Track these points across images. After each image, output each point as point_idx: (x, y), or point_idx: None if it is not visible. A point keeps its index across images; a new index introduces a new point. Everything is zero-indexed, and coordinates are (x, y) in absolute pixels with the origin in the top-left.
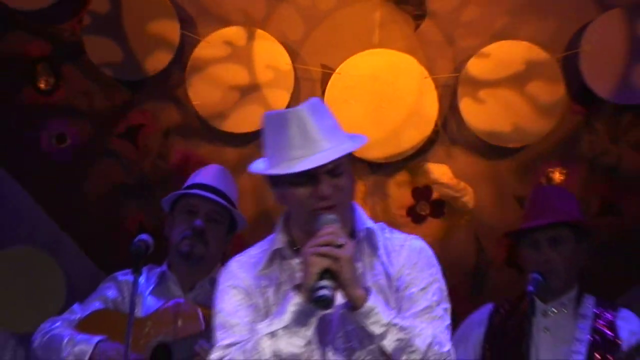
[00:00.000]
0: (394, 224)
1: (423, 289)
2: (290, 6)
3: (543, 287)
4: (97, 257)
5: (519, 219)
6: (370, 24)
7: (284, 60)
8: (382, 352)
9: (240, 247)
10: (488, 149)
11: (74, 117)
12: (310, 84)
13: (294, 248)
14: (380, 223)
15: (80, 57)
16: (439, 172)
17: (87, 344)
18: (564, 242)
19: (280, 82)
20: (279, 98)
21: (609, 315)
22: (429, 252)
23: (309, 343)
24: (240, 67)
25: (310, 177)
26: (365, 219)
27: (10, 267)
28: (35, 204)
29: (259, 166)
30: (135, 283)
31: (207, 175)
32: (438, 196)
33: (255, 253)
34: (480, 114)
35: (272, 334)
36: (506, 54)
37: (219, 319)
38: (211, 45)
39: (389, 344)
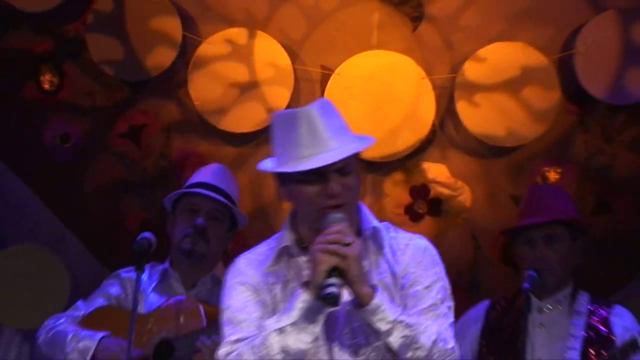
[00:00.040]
0: (391, 222)
1: (427, 287)
2: (292, 5)
3: (538, 284)
4: (100, 254)
5: (515, 218)
6: (369, 25)
7: (284, 60)
8: (387, 348)
9: (241, 244)
10: (484, 149)
11: (77, 117)
12: (310, 84)
13: (301, 246)
14: (385, 222)
15: (84, 57)
16: (436, 171)
17: (90, 339)
18: (559, 240)
19: (281, 79)
20: (279, 95)
21: (603, 312)
22: (433, 251)
23: (316, 339)
24: (240, 65)
25: (319, 175)
26: (371, 218)
27: (14, 264)
28: (38, 202)
29: (268, 164)
30: (138, 280)
31: (208, 174)
32: (435, 195)
33: (262, 250)
34: (476, 117)
35: (281, 330)
36: (502, 59)
37: (226, 315)
38: (213, 45)
39: (394, 340)
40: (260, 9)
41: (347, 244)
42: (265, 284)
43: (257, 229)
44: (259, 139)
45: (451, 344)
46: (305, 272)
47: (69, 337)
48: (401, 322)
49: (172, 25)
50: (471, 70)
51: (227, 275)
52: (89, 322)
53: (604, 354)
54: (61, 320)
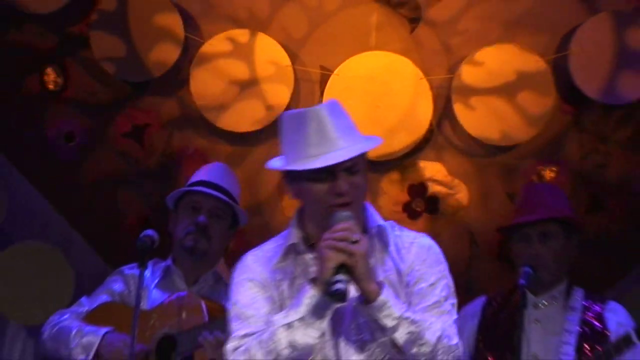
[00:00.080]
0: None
1: (432, 284)
2: (295, 5)
3: (534, 280)
4: (104, 252)
5: (511, 215)
6: (367, 26)
7: (284, 61)
8: (393, 344)
9: (239, 240)
10: (481, 148)
11: (82, 116)
12: (309, 85)
13: (308, 243)
14: (390, 221)
15: (88, 56)
16: (434, 170)
17: (94, 335)
18: (553, 237)
19: (281, 77)
20: (280, 93)
21: (597, 308)
22: (437, 249)
23: (323, 334)
24: (241, 63)
25: (328, 173)
26: (376, 217)
27: (20, 261)
28: (46, 201)
29: (276, 163)
30: (141, 277)
31: (210, 172)
32: (432, 193)
33: (270, 247)
34: (472, 120)
35: (289, 325)
36: (499, 62)
37: (234, 310)
38: (214, 45)
39: (400, 336)
40: (262, 8)
41: (355, 242)
42: (273, 281)
43: (253, 225)
44: (258, 137)
45: (455, 340)
46: (312, 269)
47: (73, 332)
48: (407, 318)
49: (175, 25)
50: (468, 74)
51: (235, 272)
52: (93, 317)
53: (599, 348)
54: (65, 316)
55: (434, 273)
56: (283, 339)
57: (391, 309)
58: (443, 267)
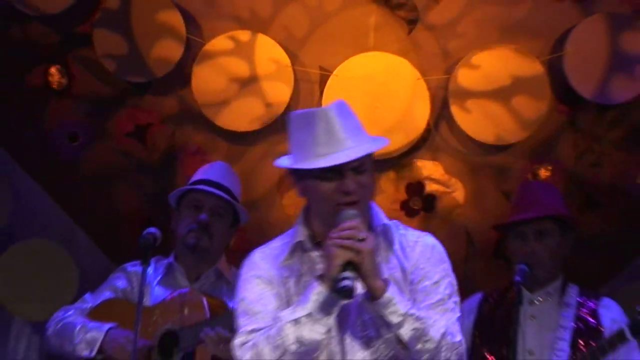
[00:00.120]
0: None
1: (436, 282)
2: (297, 5)
3: (529, 277)
4: (107, 249)
5: (507, 213)
6: (366, 28)
7: (284, 61)
8: (398, 340)
9: (239, 236)
10: (477, 148)
11: (83, 114)
12: (309, 85)
13: (314, 241)
14: (395, 220)
15: (92, 57)
16: (431, 168)
17: (98, 331)
18: (549, 235)
19: (281, 76)
20: (279, 91)
21: (591, 304)
22: (440, 248)
23: (329, 331)
24: (242, 61)
25: (335, 172)
26: (381, 216)
27: (25, 259)
28: (49, 199)
29: (284, 162)
30: (143, 273)
31: (211, 171)
32: (430, 192)
33: (276, 245)
34: (468, 122)
35: (296, 321)
36: (494, 66)
37: (242, 306)
38: (215, 46)
39: (405, 333)
40: (264, 8)
41: (361, 240)
42: (280, 278)
43: (252, 222)
44: (257, 134)
45: (458, 337)
46: (319, 267)
47: (77, 328)
48: (412, 315)
49: (177, 25)
50: (463, 77)
51: (243, 269)
52: (97, 314)
53: (593, 344)
54: (69, 312)
55: (437, 271)
56: (290, 334)
57: (397, 305)
58: (446, 265)
